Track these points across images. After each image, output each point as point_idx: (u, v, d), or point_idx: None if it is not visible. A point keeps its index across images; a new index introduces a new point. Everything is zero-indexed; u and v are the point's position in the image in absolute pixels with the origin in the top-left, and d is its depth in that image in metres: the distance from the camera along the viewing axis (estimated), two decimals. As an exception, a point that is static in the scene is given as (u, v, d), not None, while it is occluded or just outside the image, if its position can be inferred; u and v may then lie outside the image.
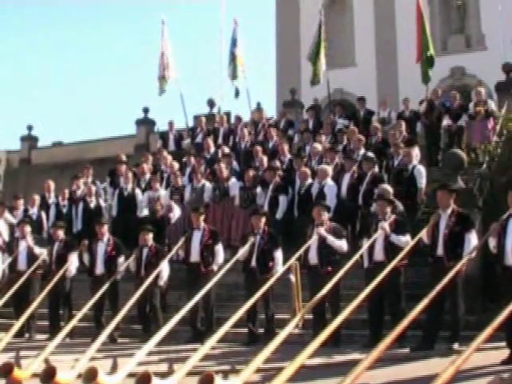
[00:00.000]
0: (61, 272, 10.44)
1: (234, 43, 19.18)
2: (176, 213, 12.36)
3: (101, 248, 10.58)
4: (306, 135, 15.47)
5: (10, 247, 11.56)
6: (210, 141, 15.83)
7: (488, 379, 5.64)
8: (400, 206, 10.23)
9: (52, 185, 14.64)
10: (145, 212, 13.33)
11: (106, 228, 10.81)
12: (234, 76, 18.90)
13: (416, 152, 12.66)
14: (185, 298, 9.65)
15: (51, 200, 14.38)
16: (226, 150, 15.17)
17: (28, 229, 11.51)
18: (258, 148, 14.45)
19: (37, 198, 14.10)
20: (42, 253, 11.18)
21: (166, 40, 18.68)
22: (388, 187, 10.48)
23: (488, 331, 5.41)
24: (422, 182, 11.50)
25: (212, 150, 15.47)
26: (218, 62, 21.20)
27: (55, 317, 10.74)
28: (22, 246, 11.28)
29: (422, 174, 11.58)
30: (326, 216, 9.46)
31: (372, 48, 26.00)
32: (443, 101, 15.73)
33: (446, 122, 15.12)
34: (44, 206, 14.14)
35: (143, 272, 10.11)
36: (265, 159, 13.69)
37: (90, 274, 10.66)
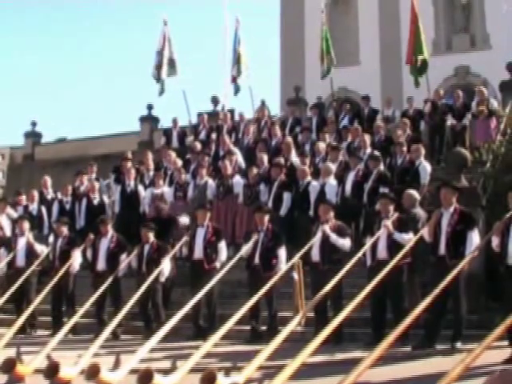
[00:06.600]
0: (64, 268, 10.45)
1: (237, 42, 19.22)
2: (183, 220, 12.11)
3: (104, 244, 10.58)
4: (304, 134, 15.40)
5: (9, 243, 11.46)
6: (227, 137, 15.70)
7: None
8: (420, 212, 9.95)
9: (49, 180, 14.63)
10: (147, 209, 13.31)
11: (109, 225, 10.82)
12: (238, 74, 18.98)
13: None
14: (188, 294, 9.65)
15: (49, 196, 14.36)
16: (232, 147, 15.10)
17: (27, 225, 11.45)
18: (259, 145, 14.40)
19: (36, 193, 14.02)
20: (42, 250, 11.19)
21: (167, 40, 18.67)
22: (414, 193, 10.19)
23: (501, 329, 5.38)
24: (427, 177, 11.69)
25: (227, 147, 15.21)
26: (222, 59, 21.18)
27: (58, 313, 10.75)
28: (21, 243, 11.21)
29: (427, 170, 11.81)
30: (331, 214, 9.46)
31: (376, 46, 25.97)
32: (446, 101, 15.74)
33: (450, 121, 15.12)
34: (43, 201, 14.08)
35: (144, 269, 10.11)
36: (264, 157, 13.66)
37: (91, 269, 10.68)
